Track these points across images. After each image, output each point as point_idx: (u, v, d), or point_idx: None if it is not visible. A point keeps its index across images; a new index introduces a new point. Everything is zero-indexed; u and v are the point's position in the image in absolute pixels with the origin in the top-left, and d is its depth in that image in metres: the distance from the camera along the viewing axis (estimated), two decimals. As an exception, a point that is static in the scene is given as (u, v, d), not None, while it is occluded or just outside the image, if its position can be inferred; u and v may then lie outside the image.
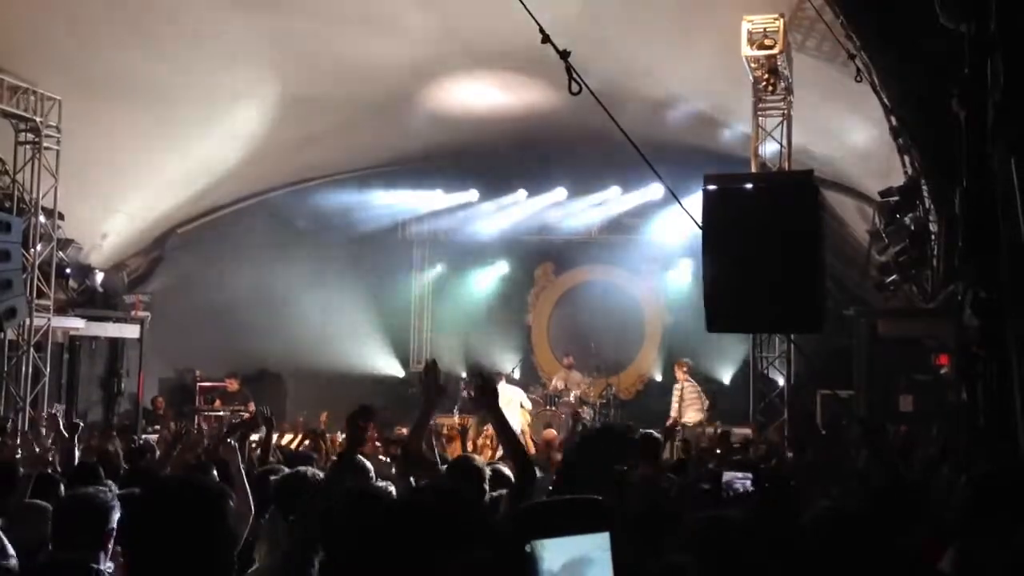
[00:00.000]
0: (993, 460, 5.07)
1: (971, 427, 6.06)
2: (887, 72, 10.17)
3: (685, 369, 15.43)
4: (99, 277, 15.95)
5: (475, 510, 2.79)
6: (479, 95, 16.03)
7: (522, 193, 19.24)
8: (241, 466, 5.01)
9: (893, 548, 2.80)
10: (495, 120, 16.61)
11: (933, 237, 11.61)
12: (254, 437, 7.99)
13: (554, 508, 2.35)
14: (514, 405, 15.65)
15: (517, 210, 19.48)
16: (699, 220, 8.01)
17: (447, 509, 2.59)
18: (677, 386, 15.36)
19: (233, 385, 16.47)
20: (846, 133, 14.23)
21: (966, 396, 6.77)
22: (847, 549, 2.70)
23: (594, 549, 2.28)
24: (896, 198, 12.32)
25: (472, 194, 19.52)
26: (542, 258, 20.27)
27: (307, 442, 9.72)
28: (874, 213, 13.99)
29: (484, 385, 4.13)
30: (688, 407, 15.13)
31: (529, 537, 2.21)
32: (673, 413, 14.91)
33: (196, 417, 16.22)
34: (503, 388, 15.99)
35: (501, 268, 20.19)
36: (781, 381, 14.12)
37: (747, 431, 13.87)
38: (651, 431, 8.29)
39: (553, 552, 2.25)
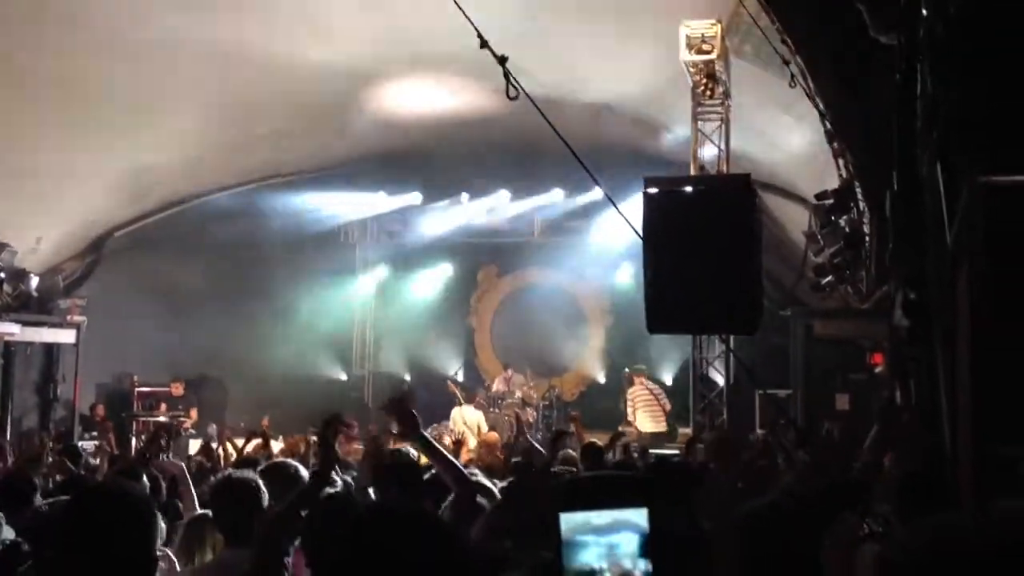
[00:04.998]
0: (921, 456, 5.20)
1: (901, 424, 6.20)
2: (820, 76, 10.35)
3: (642, 377, 15.50)
4: (34, 281, 15.65)
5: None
6: (421, 98, 16.01)
7: (465, 196, 19.26)
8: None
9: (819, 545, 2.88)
10: (438, 123, 16.59)
11: (867, 239, 11.81)
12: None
13: (594, 482, 2.36)
14: (471, 427, 15.56)
15: (460, 212, 19.49)
16: (638, 224, 8.10)
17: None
18: (631, 392, 15.42)
19: (178, 389, 16.29)
20: (783, 137, 14.44)
21: (899, 394, 6.93)
22: (769, 546, 2.77)
23: (629, 523, 2.32)
24: (831, 201, 12.51)
25: (415, 196, 19.48)
26: (485, 260, 20.32)
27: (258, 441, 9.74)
28: (810, 215, 14.21)
29: (405, 417, 4.07)
30: (644, 415, 15.08)
31: (565, 509, 2.24)
32: (630, 419, 14.97)
33: (133, 423, 16.02)
34: (467, 411, 15.87)
35: (444, 270, 20.19)
36: (721, 381, 14.37)
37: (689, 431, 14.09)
38: (594, 440, 8.53)
39: (586, 524, 2.28)
